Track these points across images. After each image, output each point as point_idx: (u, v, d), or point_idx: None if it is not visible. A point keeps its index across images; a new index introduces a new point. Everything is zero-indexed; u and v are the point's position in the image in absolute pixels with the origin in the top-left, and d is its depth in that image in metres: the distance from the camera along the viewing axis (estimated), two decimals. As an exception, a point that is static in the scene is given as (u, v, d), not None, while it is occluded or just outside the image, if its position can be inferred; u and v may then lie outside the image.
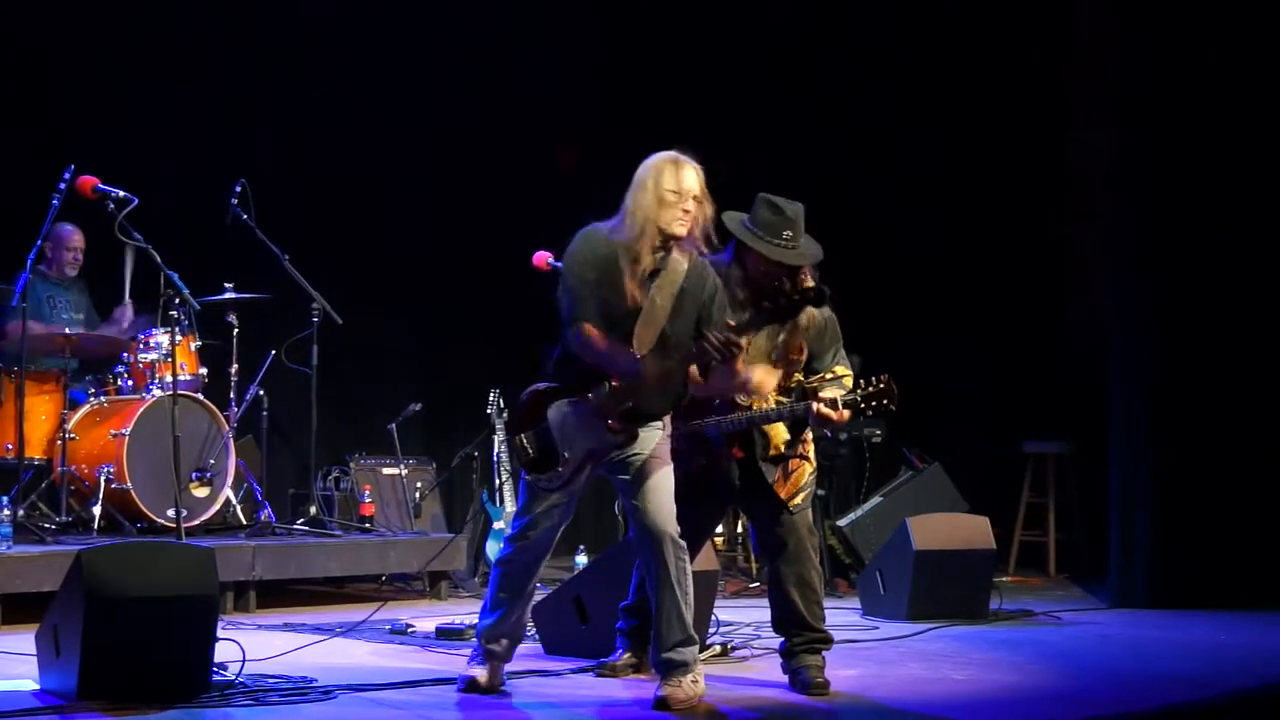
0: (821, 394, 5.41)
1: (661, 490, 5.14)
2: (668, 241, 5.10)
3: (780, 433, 5.53)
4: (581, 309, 5.09)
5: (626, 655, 5.75)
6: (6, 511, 6.97)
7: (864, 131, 10.81)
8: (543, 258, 6.23)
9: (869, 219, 10.59)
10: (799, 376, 5.54)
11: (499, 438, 8.77)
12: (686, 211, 5.07)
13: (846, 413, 5.38)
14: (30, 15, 9.02)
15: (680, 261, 5.14)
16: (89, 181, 7.16)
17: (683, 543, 5.13)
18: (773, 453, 5.53)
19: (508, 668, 5.44)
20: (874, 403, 5.38)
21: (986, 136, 10.67)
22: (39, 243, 7.55)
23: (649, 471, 5.13)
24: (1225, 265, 8.17)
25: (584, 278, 5.10)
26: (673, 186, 5.06)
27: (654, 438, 5.16)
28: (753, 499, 5.61)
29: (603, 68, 10.69)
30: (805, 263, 5.45)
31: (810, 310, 5.32)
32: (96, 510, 7.66)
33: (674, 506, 5.15)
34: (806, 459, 5.60)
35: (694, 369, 5.08)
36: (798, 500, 5.55)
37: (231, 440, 8.15)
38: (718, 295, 5.20)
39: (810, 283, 5.40)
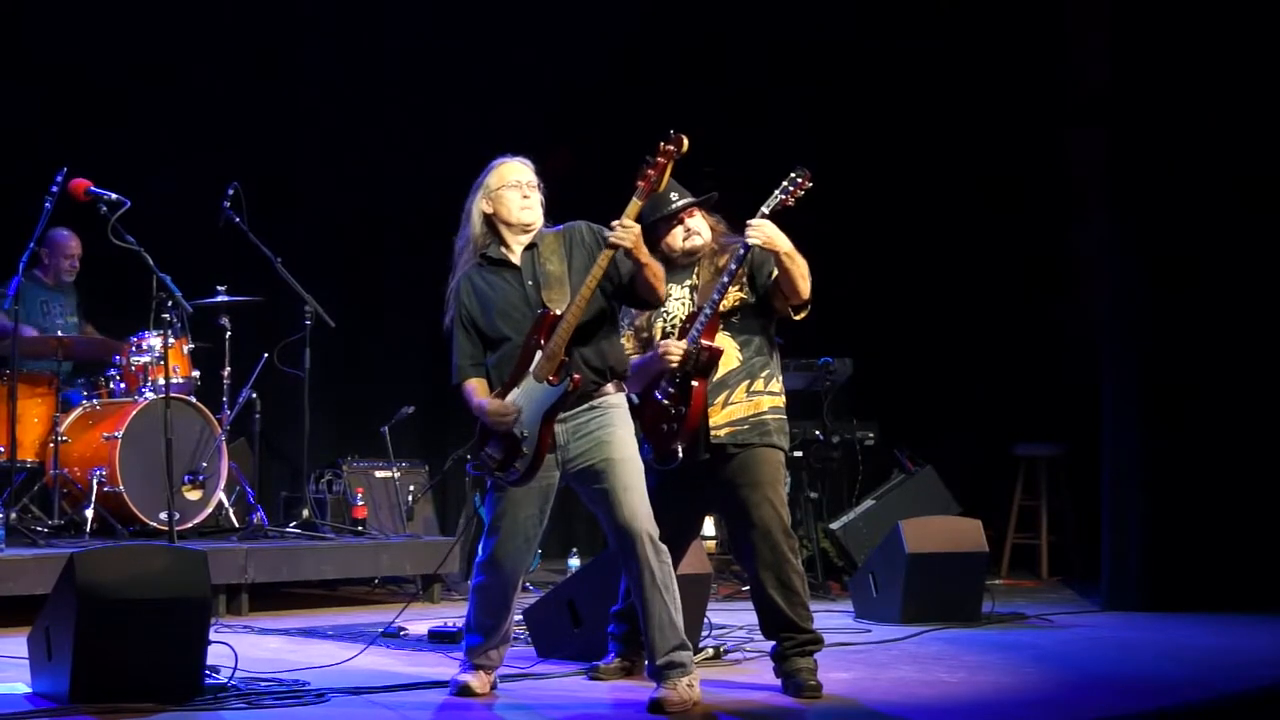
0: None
1: (633, 490, 5.12)
2: (521, 232, 5.25)
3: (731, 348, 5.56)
4: (458, 372, 5.27)
5: (618, 659, 5.75)
6: (-2, 514, 6.99)
7: (860, 131, 10.82)
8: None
9: (863, 220, 10.59)
10: (741, 295, 5.58)
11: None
12: (526, 197, 5.25)
13: (769, 224, 5.43)
14: (26, 16, 9.02)
15: (547, 234, 5.27)
16: (81, 184, 7.17)
17: (663, 545, 5.12)
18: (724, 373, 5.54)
19: (500, 670, 5.45)
20: (789, 190, 5.50)
21: (979, 137, 10.68)
22: (31, 246, 7.55)
23: (617, 473, 5.11)
24: (1219, 267, 8.17)
25: (459, 338, 5.28)
26: (509, 180, 5.26)
27: (616, 437, 5.15)
28: (720, 485, 5.57)
29: (601, 67, 10.70)
30: (685, 202, 5.60)
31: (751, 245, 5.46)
32: (89, 513, 7.65)
33: (649, 506, 5.13)
34: (766, 394, 5.58)
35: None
36: (768, 423, 5.55)
37: (224, 443, 8.15)
38: (593, 228, 5.24)
39: (701, 233, 5.62)
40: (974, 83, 10.68)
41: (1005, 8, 10.60)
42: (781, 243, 5.44)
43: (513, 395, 5.13)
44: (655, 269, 5.17)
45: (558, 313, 5.10)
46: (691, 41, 10.75)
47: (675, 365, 5.47)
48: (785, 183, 5.56)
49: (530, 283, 5.21)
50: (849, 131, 10.76)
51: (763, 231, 5.43)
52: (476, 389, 5.23)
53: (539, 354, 5.09)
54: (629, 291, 5.21)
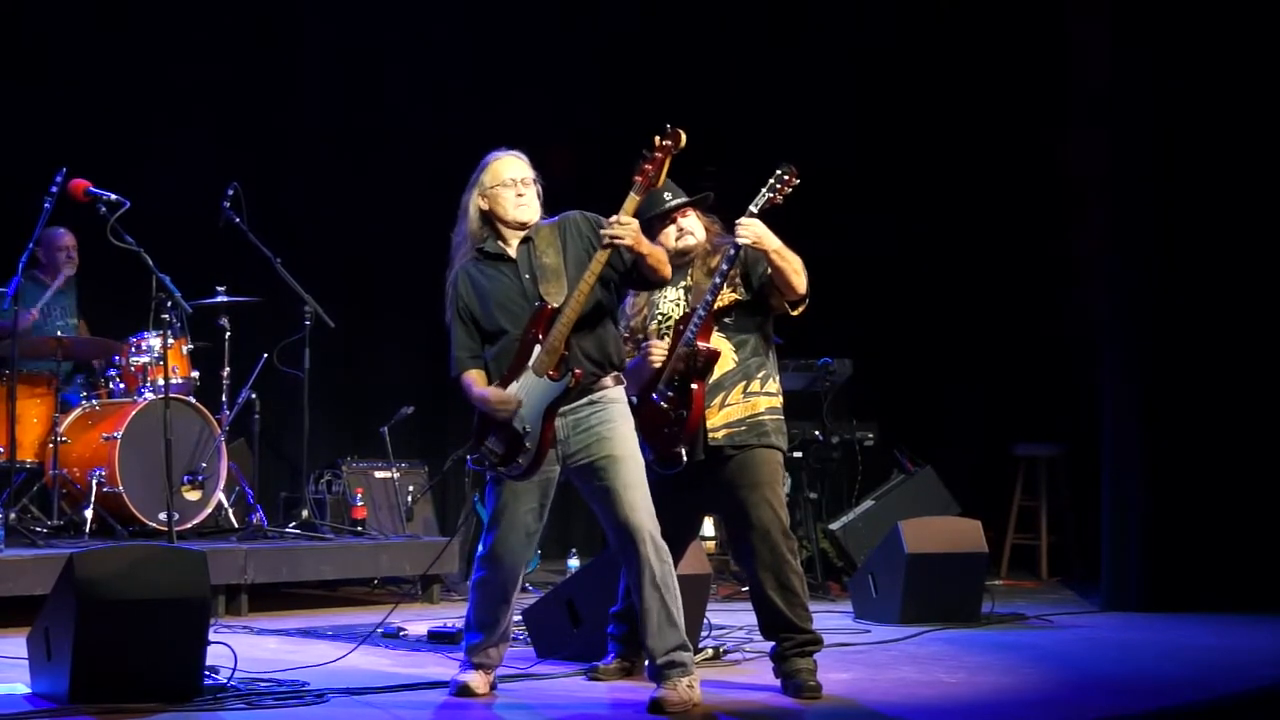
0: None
1: (634, 488, 5.12)
2: (518, 229, 5.25)
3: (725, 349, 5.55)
4: (457, 364, 5.26)
5: (617, 660, 5.75)
6: (-2, 515, 6.98)
7: (859, 131, 10.81)
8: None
9: (863, 221, 10.59)
10: (735, 296, 5.58)
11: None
12: (521, 195, 5.24)
13: (758, 223, 5.41)
14: (26, 16, 9.01)
15: (542, 227, 5.27)
16: (81, 185, 7.16)
17: (663, 542, 5.12)
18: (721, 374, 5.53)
19: (499, 670, 5.45)
20: (776, 187, 5.48)
21: (980, 137, 10.68)
22: (30, 246, 7.55)
23: (618, 470, 5.11)
24: (1219, 267, 8.17)
25: (457, 331, 5.27)
26: (503, 178, 5.25)
27: (617, 433, 5.15)
28: (719, 486, 5.56)
29: (600, 68, 10.70)
30: (677, 202, 5.61)
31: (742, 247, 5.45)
32: (88, 513, 7.64)
33: (650, 503, 5.13)
34: (762, 395, 5.58)
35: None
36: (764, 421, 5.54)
37: (223, 443, 8.14)
38: (588, 218, 5.26)
39: (696, 232, 5.63)
40: (974, 83, 10.68)
41: (1006, 8, 10.60)
42: (770, 241, 5.43)
43: (512, 388, 5.14)
44: (656, 255, 5.17)
45: (555, 306, 5.10)
46: (692, 41, 10.74)
47: (658, 365, 5.47)
48: (772, 180, 5.54)
49: (527, 276, 5.21)
50: (849, 132, 10.75)
51: (752, 230, 5.42)
52: (476, 380, 5.23)
53: (538, 348, 5.10)
54: (632, 278, 5.24)
